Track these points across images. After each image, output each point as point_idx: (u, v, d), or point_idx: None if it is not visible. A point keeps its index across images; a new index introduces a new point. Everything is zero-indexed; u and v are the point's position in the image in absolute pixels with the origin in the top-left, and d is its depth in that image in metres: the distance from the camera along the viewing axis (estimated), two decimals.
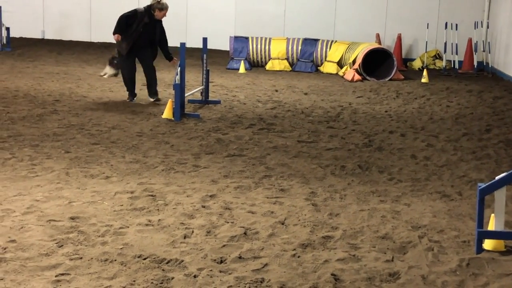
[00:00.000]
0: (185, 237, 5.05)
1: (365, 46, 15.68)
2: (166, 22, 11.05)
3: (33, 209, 5.55)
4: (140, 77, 11.41)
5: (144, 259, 4.60)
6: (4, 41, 18.01)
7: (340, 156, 7.92)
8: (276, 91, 13.10)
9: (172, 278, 4.32)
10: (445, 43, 18.04)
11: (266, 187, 6.53)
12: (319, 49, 16.74)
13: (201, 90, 11.31)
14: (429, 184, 6.85)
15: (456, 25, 17.96)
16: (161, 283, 4.25)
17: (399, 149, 8.42)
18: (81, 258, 4.58)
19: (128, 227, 5.23)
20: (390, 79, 15.25)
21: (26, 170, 6.75)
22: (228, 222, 5.43)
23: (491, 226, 5.05)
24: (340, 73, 16.02)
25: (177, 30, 18.56)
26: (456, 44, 17.79)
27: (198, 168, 7.15)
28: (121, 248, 4.77)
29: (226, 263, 4.62)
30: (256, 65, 17.00)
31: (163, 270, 4.45)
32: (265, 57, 16.88)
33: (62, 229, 5.12)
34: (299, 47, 16.78)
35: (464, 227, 5.50)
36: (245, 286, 4.25)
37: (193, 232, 5.18)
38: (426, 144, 8.73)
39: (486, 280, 4.49)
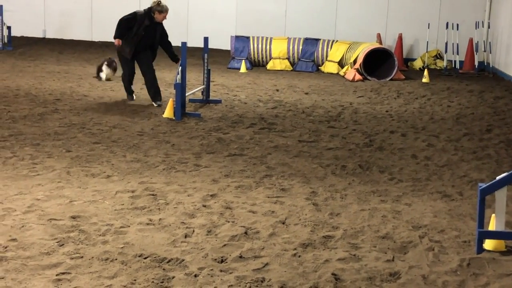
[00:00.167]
0: (185, 237, 5.06)
1: (366, 46, 15.67)
2: (167, 21, 11.01)
3: (34, 208, 5.56)
4: (140, 77, 11.40)
5: (145, 258, 4.61)
6: (5, 40, 18.02)
7: (340, 156, 7.92)
8: (277, 90, 13.10)
9: (173, 277, 4.32)
10: (446, 43, 18.03)
11: (267, 186, 6.53)
12: (320, 49, 16.74)
13: (202, 90, 11.31)
14: (429, 184, 6.85)
15: (457, 25, 17.94)
16: (162, 282, 4.25)
17: (400, 149, 8.42)
18: (82, 257, 4.58)
19: (129, 226, 5.23)
20: (391, 79, 15.24)
21: (27, 169, 6.76)
22: (228, 222, 5.43)
23: (492, 226, 5.04)
24: (341, 73, 16.01)
25: (178, 30, 18.59)
26: (457, 44, 17.78)
27: (199, 167, 7.15)
28: (121, 247, 4.77)
29: (226, 262, 4.62)
30: (257, 64, 17.00)
31: (163, 269, 4.45)
32: (266, 57, 16.88)
33: (63, 228, 5.12)
34: (300, 47, 16.77)
35: (464, 227, 5.50)
36: (245, 286, 4.25)
37: (193, 231, 5.18)
38: (427, 144, 8.73)
39: (486, 280, 4.48)
